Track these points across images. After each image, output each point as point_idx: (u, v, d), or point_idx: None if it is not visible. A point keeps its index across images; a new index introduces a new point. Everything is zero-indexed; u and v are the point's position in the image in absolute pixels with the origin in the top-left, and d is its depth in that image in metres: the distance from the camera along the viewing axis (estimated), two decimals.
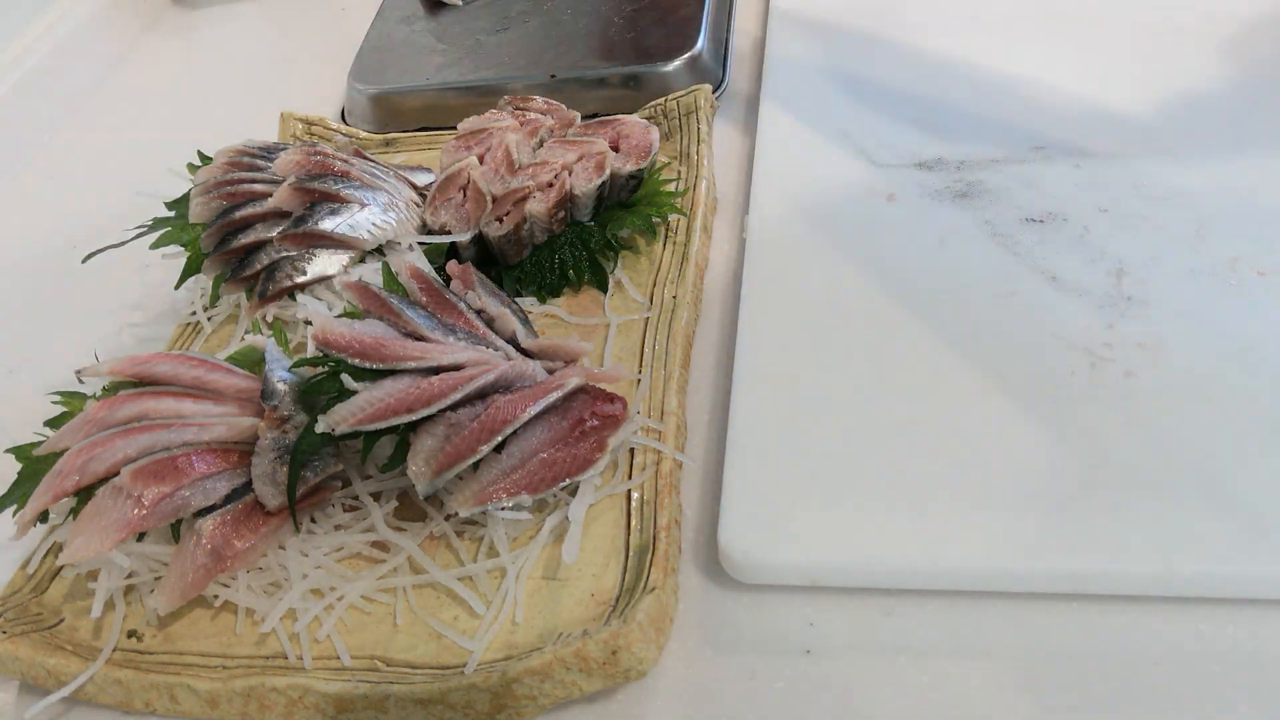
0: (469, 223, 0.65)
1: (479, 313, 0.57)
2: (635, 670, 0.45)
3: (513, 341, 0.55)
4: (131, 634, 0.52)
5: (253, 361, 0.56)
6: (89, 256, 0.67)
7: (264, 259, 0.63)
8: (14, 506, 0.53)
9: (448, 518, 0.53)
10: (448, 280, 0.59)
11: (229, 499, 0.51)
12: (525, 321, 0.57)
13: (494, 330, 0.56)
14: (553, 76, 0.80)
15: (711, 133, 0.73)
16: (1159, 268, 0.58)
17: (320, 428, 0.50)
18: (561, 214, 0.65)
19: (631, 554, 0.50)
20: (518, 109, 0.71)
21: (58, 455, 0.52)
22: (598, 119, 0.70)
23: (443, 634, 0.49)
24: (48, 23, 0.96)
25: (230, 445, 0.52)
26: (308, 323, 0.54)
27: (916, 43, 0.79)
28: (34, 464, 0.53)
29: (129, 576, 0.52)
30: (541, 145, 0.68)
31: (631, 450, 0.54)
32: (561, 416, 0.52)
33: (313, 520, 0.54)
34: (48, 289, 0.77)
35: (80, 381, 0.57)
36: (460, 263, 0.62)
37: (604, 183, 0.65)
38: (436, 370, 0.51)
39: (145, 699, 0.49)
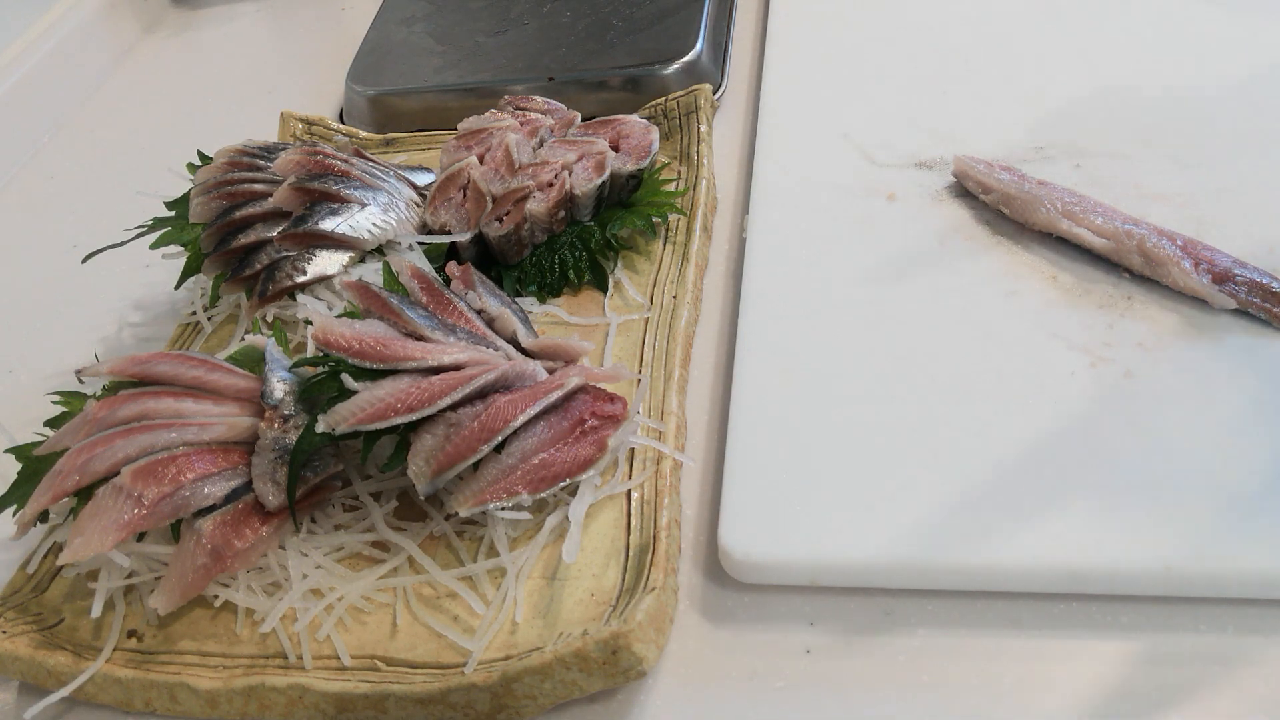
0: (469, 223, 0.65)
1: (479, 313, 0.57)
2: (635, 670, 0.45)
3: (513, 341, 0.55)
4: (131, 634, 0.52)
5: (253, 361, 0.56)
6: (89, 256, 0.67)
7: (264, 259, 0.63)
8: (14, 506, 0.53)
9: (448, 518, 0.53)
10: (448, 280, 0.59)
11: (229, 499, 0.51)
12: (525, 321, 0.57)
13: (494, 330, 0.56)
14: (551, 79, 0.80)
15: (711, 133, 0.73)
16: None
17: (320, 428, 0.50)
18: (561, 214, 0.65)
19: (631, 554, 0.50)
20: (518, 109, 0.71)
21: (58, 455, 0.52)
22: (598, 119, 0.70)
23: (443, 634, 0.49)
24: (48, 23, 0.96)
25: (230, 445, 0.52)
26: (308, 323, 0.54)
27: (917, 43, 0.79)
28: (34, 464, 0.53)
29: (129, 576, 0.52)
30: (541, 145, 0.68)
31: (631, 450, 0.54)
32: (562, 416, 0.52)
33: (313, 520, 0.54)
34: (48, 289, 0.77)
35: (80, 381, 0.57)
36: (460, 263, 0.62)
37: (604, 183, 0.65)
38: (436, 370, 0.51)
39: (145, 699, 0.49)
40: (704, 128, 0.73)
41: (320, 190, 0.64)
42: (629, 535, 0.51)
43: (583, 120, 0.71)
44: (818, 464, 0.52)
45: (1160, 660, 0.45)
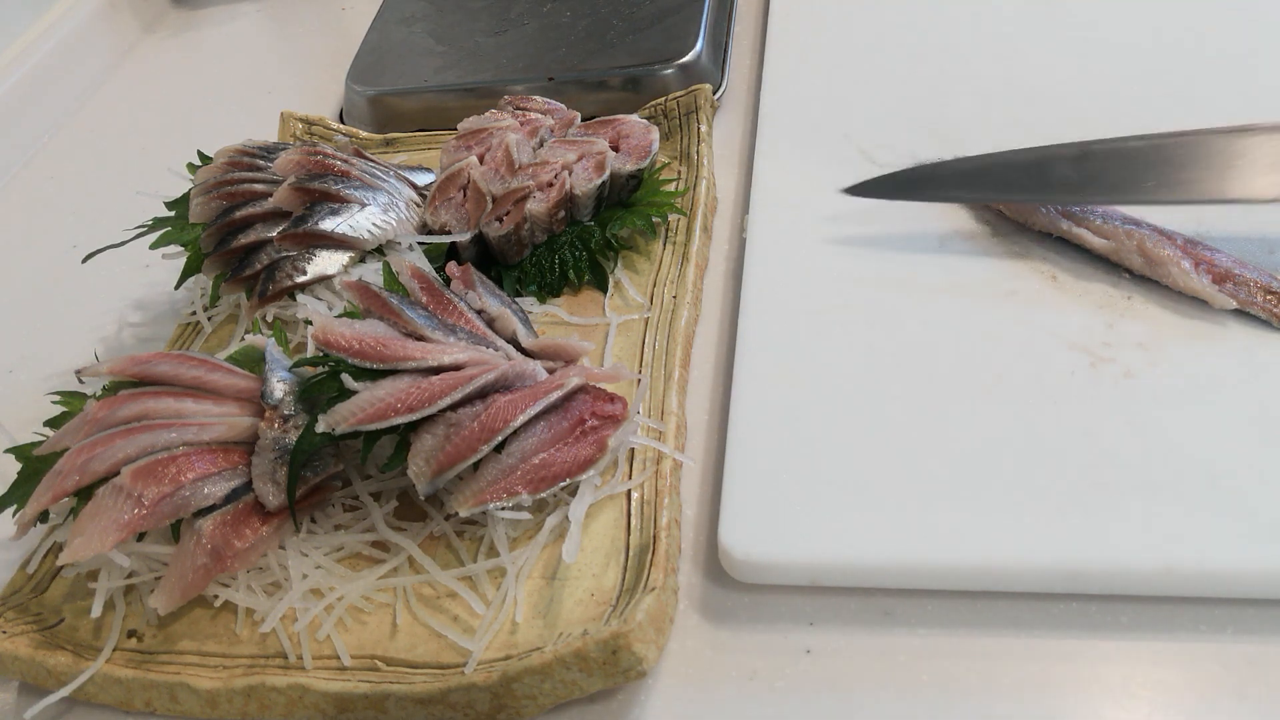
0: (469, 223, 0.65)
1: (479, 313, 0.57)
2: (635, 670, 0.45)
3: (513, 341, 0.55)
4: (131, 634, 0.52)
5: (253, 361, 0.56)
6: (89, 256, 0.67)
7: (264, 259, 0.63)
8: (14, 506, 0.53)
9: (448, 518, 0.53)
10: (448, 280, 0.59)
11: (229, 499, 0.51)
12: (525, 321, 0.57)
13: (494, 330, 0.56)
14: (551, 79, 0.80)
15: (711, 133, 0.73)
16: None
17: (320, 427, 0.50)
18: (561, 214, 0.65)
19: (632, 554, 0.50)
20: (518, 109, 0.71)
21: (58, 455, 0.52)
22: (598, 119, 0.70)
23: (443, 634, 0.49)
24: (47, 23, 0.96)
25: (230, 445, 0.52)
26: (308, 323, 0.54)
27: (917, 43, 0.79)
28: (34, 464, 0.53)
29: (129, 576, 0.52)
30: (542, 145, 0.68)
31: (631, 450, 0.54)
32: (562, 416, 0.52)
33: (313, 520, 0.54)
34: (48, 289, 0.77)
35: (80, 381, 0.57)
36: (460, 263, 0.62)
37: (604, 183, 0.65)
38: (437, 370, 0.51)
39: (145, 699, 0.49)
40: (704, 128, 0.73)
41: (320, 190, 0.64)
42: (629, 535, 0.51)
43: (583, 120, 0.71)
44: (818, 464, 0.52)
45: (1160, 660, 0.45)
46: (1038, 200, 0.60)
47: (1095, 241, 0.59)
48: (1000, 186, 0.60)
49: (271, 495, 0.51)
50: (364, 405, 0.50)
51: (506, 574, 0.50)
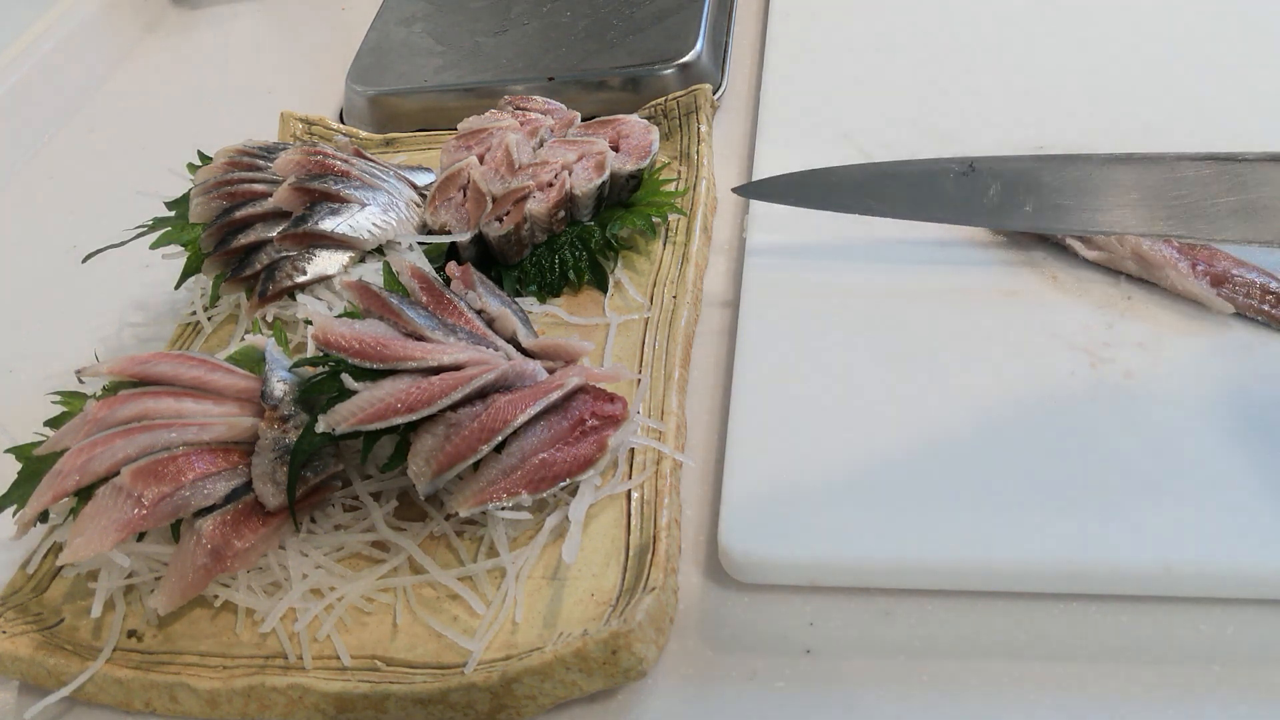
0: (469, 223, 0.65)
1: (479, 313, 0.57)
2: (635, 670, 0.45)
3: (513, 341, 0.55)
4: (131, 634, 0.52)
5: (253, 361, 0.56)
6: (89, 256, 0.67)
7: (264, 259, 0.63)
8: (14, 506, 0.53)
9: (448, 518, 0.53)
10: (448, 280, 0.59)
11: (229, 499, 0.51)
12: (525, 321, 0.57)
13: (494, 330, 0.56)
14: (551, 79, 0.80)
15: (711, 133, 0.73)
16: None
17: (320, 428, 0.50)
18: (561, 214, 0.65)
19: (632, 554, 0.50)
20: (518, 109, 0.71)
21: (58, 455, 0.52)
22: (598, 119, 0.70)
23: (443, 634, 0.49)
24: (47, 23, 0.96)
25: (230, 445, 0.52)
26: (308, 323, 0.54)
27: (917, 42, 0.79)
28: (34, 464, 0.53)
29: (129, 576, 0.52)
30: (542, 145, 0.68)
31: (632, 450, 0.54)
32: (562, 416, 0.52)
33: (313, 520, 0.54)
34: (48, 289, 0.77)
35: (80, 381, 0.57)
36: (460, 263, 0.63)
37: (604, 183, 0.65)
38: (437, 370, 0.51)
39: (145, 699, 0.49)
40: (704, 128, 0.73)
41: (320, 190, 0.64)
42: (629, 535, 0.51)
43: (583, 120, 0.71)
44: (818, 464, 0.52)
45: (1160, 660, 0.45)
46: (920, 219, 0.60)
47: (1087, 254, 0.59)
48: (887, 199, 0.58)
49: (271, 495, 0.51)
50: (364, 405, 0.50)
51: (506, 574, 0.50)
